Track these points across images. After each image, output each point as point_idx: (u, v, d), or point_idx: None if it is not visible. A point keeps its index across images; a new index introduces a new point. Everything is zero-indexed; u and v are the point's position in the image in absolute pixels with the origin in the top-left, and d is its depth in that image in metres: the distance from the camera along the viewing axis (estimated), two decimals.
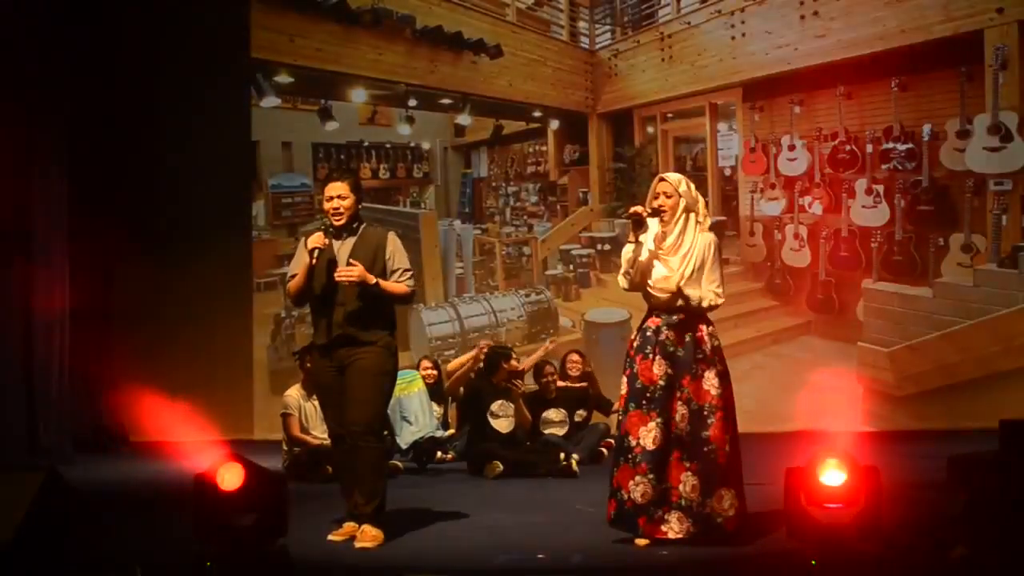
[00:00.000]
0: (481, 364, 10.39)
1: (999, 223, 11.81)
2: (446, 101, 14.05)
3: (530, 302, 13.75)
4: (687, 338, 6.43)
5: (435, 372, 10.93)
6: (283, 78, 13.55)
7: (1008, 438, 6.30)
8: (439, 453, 10.43)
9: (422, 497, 8.45)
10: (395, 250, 6.88)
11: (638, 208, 6.50)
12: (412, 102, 13.87)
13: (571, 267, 13.85)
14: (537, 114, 14.21)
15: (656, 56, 13.75)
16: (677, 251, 6.47)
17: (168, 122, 12.83)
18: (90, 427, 12.05)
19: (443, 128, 14.35)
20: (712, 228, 6.66)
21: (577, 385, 10.85)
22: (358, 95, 13.87)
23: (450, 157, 14.38)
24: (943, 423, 11.60)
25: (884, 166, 12.38)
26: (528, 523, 7.39)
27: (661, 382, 6.38)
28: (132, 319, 12.45)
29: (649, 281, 6.53)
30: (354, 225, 6.86)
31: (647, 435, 6.34)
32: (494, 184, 14.38)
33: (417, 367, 10.90)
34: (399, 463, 9.89)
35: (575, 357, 11.07)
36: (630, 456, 6.37)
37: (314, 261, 6.69)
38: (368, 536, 6.60)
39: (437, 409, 10.64)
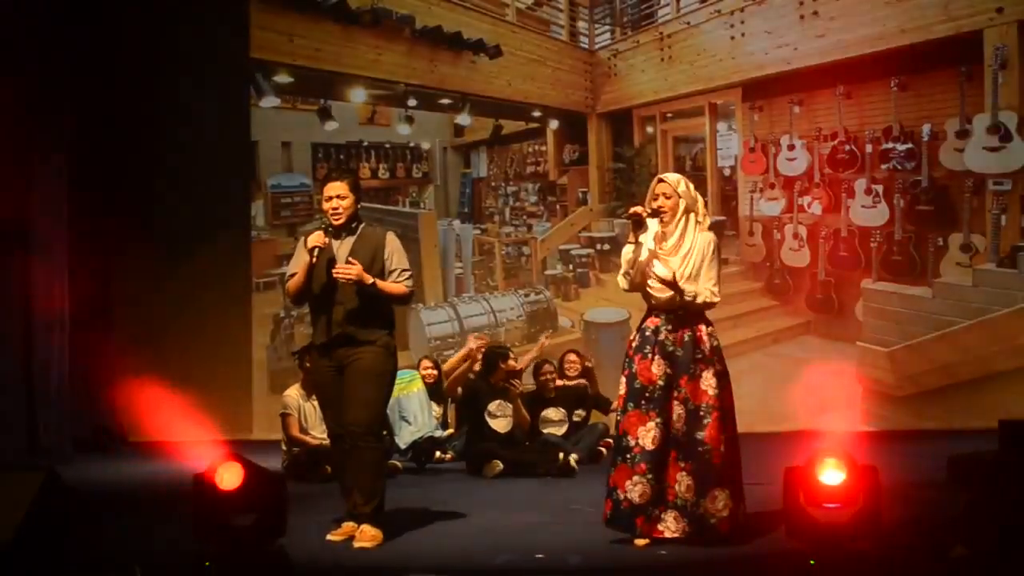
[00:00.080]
0: (478, 364, 10.39)
1: (998, 223, 11.81)
2: (445, 101, 14.05)
3: (529, 302, 13.76)
4: (686, 338, 6.44)
5: (435, 372, 10.92)
6: (282, 78, 13.55)
7: (1007, 438, 6.31)
8: (438, 453, 10.43)
9: (421, 497, 8.45)
10: (394, 250, 6.88)
11: (638, 208, 6.50)
12: (411, 102, 13.87)
13: (570, 267, 13.85)
14: (536, 114, 14.21)
15: (656, 56, 13.75)
16: (677, 251, 6.47)
17: (167, 122, 12.84)
18: (89, 427, 12.06)
19: (442, 128, 14.35)
20: (711, 228, 6.66)
21: (575, 384, 10.85)
22: (357, 95, 13.87)
23: (449, 157, 14.38)
24: (942, 423, 11.61)
25: (883, 166, 12.38)
26: (527, 523, 7.39)
27: (660, 382, 6.38)
28: (132, 319, 12.45)
29: (649, 282, 6.53)
30: (353, 225, 6.86)
31: (646, 435, 6.35)
32: (493, 184, 14.38)
33: (417, 367, 10.90)
34: (398, 463, 9.89)
35: (572, 357, 11.07)
36: (628, 456, 6.37)
37: (314, 260, 6.69)
38: (367, 536, 6.60)
39: (437, 409, 10.64)
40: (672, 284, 6.41)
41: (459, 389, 10.49)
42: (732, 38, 13.20)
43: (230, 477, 5.58)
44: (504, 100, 14.07)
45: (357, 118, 14.07)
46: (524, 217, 14.18)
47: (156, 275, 12.58)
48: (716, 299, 6.48)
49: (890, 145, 12.34)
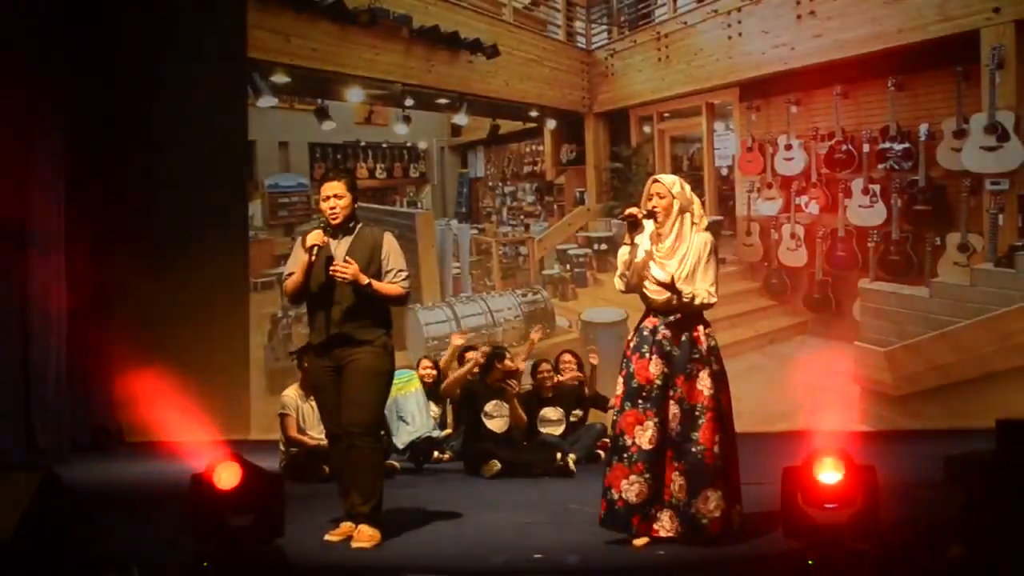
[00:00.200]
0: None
1: (996, 222, 11.81)
2: (443, 101, 14.04)
3: (527, 302, 13.75)
4: (683, 338, 6.44)
5: (434, 372, 10.92)
6: (280, 78, 13.54)
7: (1005, 438, 6.32)
8: (436, 453, 10.44)
9: (419, 497, 8.46)
10: (391, 251, 6.88)
11: (633, 210, 6.51)
12: (409, 102, 13.86)
13: (568, 267, 13.85)
14: (534, 114, 14.20)
15: (653, 56, 13.75)
16: (674, 253, 6.48)
17: (165, 122, 12.83)
18: (87, 427, 12.06)
19: (440, 128, 14.35)
20: (708, 228, 6.67)
21: (572, 384, 10.85)
22: (355, 95, 13.86)
23: (447, 157, 14.38)
24: (940, 423, 11.61)
25: (881, 166, 12.38)
26: (525, 523, 7.40)
27: (658, 382, 6.39)
28: (129, 319, 12.44)
29: (647, 285, 6.54)
30: (351, 225, 6.86)
31: (643, 434, 6.36)
32: (491, 184, 14.37)
33: (416, 367, 10.90)
34: (396, 463, 9.88)
35: (568, 356, 11.05)
36: (625, 455, 6.38)
37: (313, 258, 6.69)
38: (365, 536, 6.60)
39: (435, 409, 10.64)
40: (670, 287, 6.42)
41: (457, 390, 10.48)
42: (729, 38, 13.20)
43: (228, 477, 5.58)
44: (501, 100, 14.07)
45: (354, 118, 14.06)
46: (521, 217, 14.18)
47: (154, 275, 12.56)
48: (713, 300, 6.48)
49: (887, 145, 12.34)
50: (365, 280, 6.64)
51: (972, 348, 11.83)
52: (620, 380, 6.56)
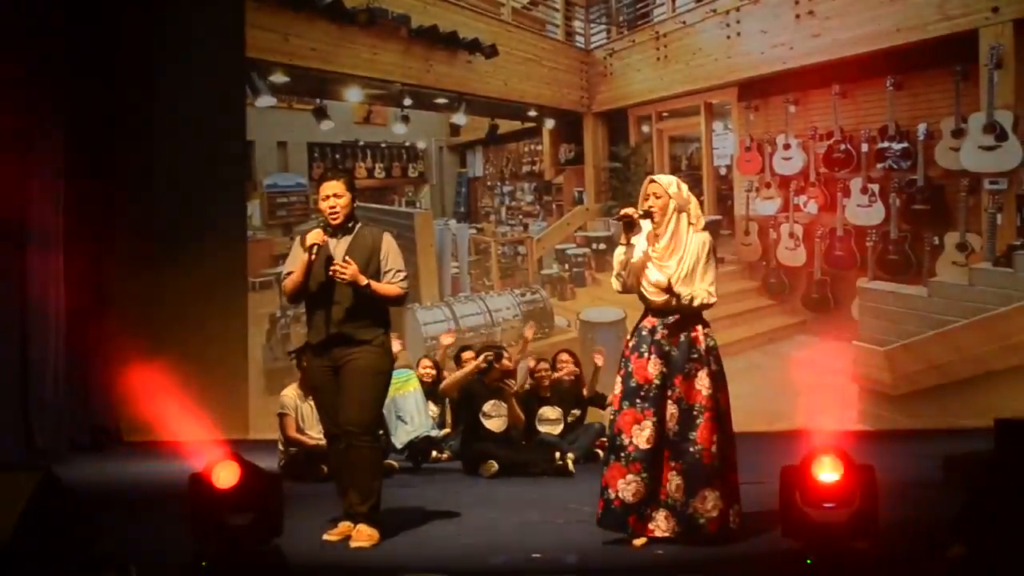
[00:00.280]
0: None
1: (994, 222, 11.82)
2: (441, 100, 14.04)
3: (525, 301, 13.75)
4: (682, 338, 6.45)
5: (434, 372, 10.91)
6: (278, 77, 13.54)
7: (1004, 437, 6.31)
8: (434, 452, 10.44)
9: (417, 497, 8.46)
10: (389, 251, 6.88)
11: (628, 210, 6.52)
12: (407, 101, 13.85)
13: (566, 266, 13.85)
14: (532, 113, 14.19)
15: (651, 55, 13.74)
16: (672, 254, 6.48)
17: (164, 122, 12.83)
18: (85, 427, 12.04)
19: (438, 127, 14.34)
20: (706, 227, 6.67)
21: (568, 379, 10.83)
22: (353, 94, 13.86)
23: (445, 156, 14.37)
24: (938, 422, 11.62)
25: (879, 165, 12.39)
26: (523, 523, 7.40)
27: (656, 381, 6.39)
28: (127, 319, 12.42)
29: (644, 285, 6.54)
30: (349, 224, 6.86)
31: (640, 434, 6.36)
32: (489, 183, 14.37)
33: (415, 366, 10.89)
34: (394, 462, 9.88)
35: (565, 356, 11.03)
36: (623, 454, 6.38)
37: (313, 257, 6.69)
38: (363, 536, 6.60)
39: (434, 409, 10.63)
40: (667, 289, 6.42)
41: (456, 392, 10.47)
42: (728, 37, 13.20)
43: (227, 476, 5.57)
44: (500, 99, 14.06)
45: (353, 117, 14.06)
46: (520, 217, 14.18)
47: (152, 275, 12.56)
48: (712, 300, 6.49)
49: (886, 144, 12.35)
50: (364, 281, 6.64)
51: (971, 347, 11.83)
52: (618, 380, 6.57)
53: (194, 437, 9.44)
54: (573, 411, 10.68)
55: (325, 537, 6.76)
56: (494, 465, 9.59)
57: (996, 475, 5.73)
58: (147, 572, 5.69)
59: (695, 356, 6.44)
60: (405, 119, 13.94)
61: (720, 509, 6.36)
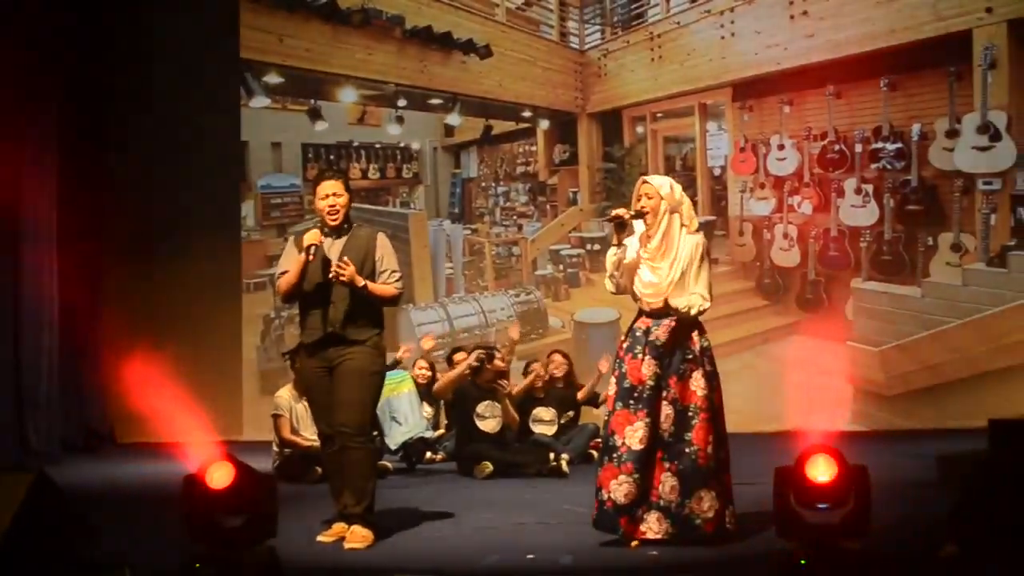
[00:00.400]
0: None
1: (988, 222, 11.83)
2: (436, 101, 14.04)
3: (520, 302, 13.75)
4: (676, 339, 6.45)
5: (429, 373, 10.91)
6: (272, 78, 13.53)
7: (997, 437, 6.32)
8: (428, 453, 10.44)
9: (411, 498, 8.46)
10: (385, 251, 6.89)
11: (619, 211, 6.53)
12: (402, 102, 13.85)
13: (561, 267, 13.85)
14: (527, 114, 14.19)
15: (646, 56, 13.75)
16: (664, 256, 6.48)
17: (158, 122, 12.81)
18: (79, 428, 12.03)
19: (433, 128, 14.34)
20: (700, 228, 6.67)
21: (560, 377, 10.82)
22: (348, 95, 13.86)
23: (440, 157, 14.37)
24: (932, 422, 11.63)
25: (873, 166, 12.39)
26: (518, 523, 7.40)
27: (649, 382, 6.39)
28: (121, 320, 12.41)
29: (637, 286, 6.55)
30: (344, 225, 6.86)
31: (633, 435, 6.36)
32: (484, 184, 14.37)
33: (411, 367, 10.89)
34: (388, 463, 9.88)
35: (558, 357, 11.02)
36: (615, 455, 6.39)
37: (311, 258, 6.68)
38: (357, 537, 6.60)
39: (428, 410, 10.63)
40: (665, 307, 6.43)
41: (449, 392, 10.46)
42: (722, 38, 13.21)
43: (221, 477, 5.56)
44: (494, 100, 14.07)
45: (347, 118, 14.06)
46: (514, 217, 14.17)
47: (146, 276, 12.56)
48: (707, 304, 6.49)
49: (880, 145, 12.35)
50: (362, 281, 6.65)
51: (964, 348, 11.84)
52: (612, 380, 6.59)
53: (188, 438, 9.43)
54: (567, 412, 10.68)
55: (319, 538, 6.77)
56: (488, 466, 9.59)
57: (989, 475, 5.74)
58: (141, 574, 5.69)
59: (689, 357, 6.45)
60: (399, 120, 13.94)
61: (716, 510, 6.38)
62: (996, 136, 11.76)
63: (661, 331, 6.46)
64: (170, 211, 12.76)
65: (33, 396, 11.05)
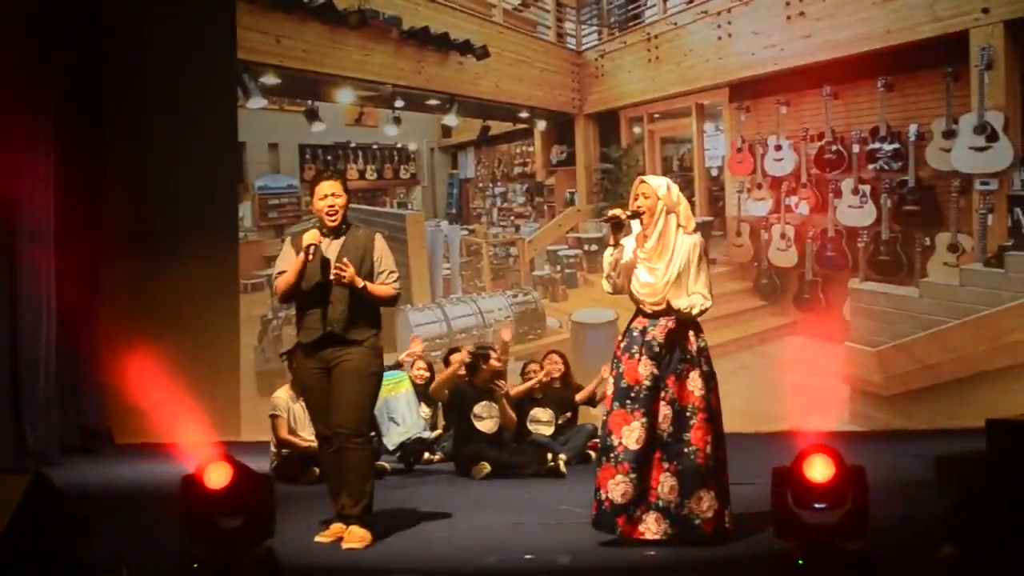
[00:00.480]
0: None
1: (985, 223, 11.83)
2: (433, 102, 14.04)
3: (517, 303, 13.75)
4: (673, 339, 6.45)
5: (427, 373, 10.90)
6: (269, 79, 13.53)
7: (995, 437, 6.33)
8: (426, 454, 10.43)
9: (409, 498, 8.46)
10: (383, 252, 6.90)
11: (616, 211, 6.54)
12: (399, 103, 13.85)
13: (558, 268, 13.85)
14: (524, 115, 14.20)
15: (643, 57, 13.75)
16: (660, 256, 6.49)
17: (155, 123, 12.80)
18: (77, 429, 12.02)
19: (430, 129, 14.34)
20: (698, 229, 6.68)
21: (559, 385, 10.81)
22: (345, 96, 13.85)
23: (437, 158, 14.37)
24: (929, 422, 11.64)
25: (870, 166, 12.39)
26: (515, 524, 7.40)
27: (646, 382, 6.40)
28: (119, 320, 12.41)
29: (634, 286, 6.55)
30: (343, 226, 6.86)
31: (630, 434, 6.37)
32: (481, 185, 14.37)
33: (410, 367, 10.88)
34: (386, 464, 9.88)
35: (555, 357, 11.00)
36: (612, 455, 6.40)
37: (311, 258, 6.68)
38: (356, 537, 6.61)
39: (426, 410, 10.63)
40: (667, 308, 6.43)
41: (445, 392, 10.46)
42: (719, 39, 13.21)
43: (219, 476, 5.56)
44: (491, 101, 14.07)
45: (344, 119, 14.06)
46: (512, 218, 14.18)
47: (144, 277, 12.56)
48: (709, 304, 6.51)
49: (877, 145, 12.36)
50: (361, 283, 6.65)
51: (962, 348, 11.84)
52: (610, 381, 6.60)
53: (185, 439, 9.44)
54: (565, 414, 10.68)
55: (317, 539, 6.77)
56: (486, 466, 9.59)
57: (987, 475, 5.74)
58: (139, 574, 5.68)
59: (686, 357, 6.45)
60: (396, 120, 13.94)
61: (715, 510, 6.39)
62: (993, 136, 11.76)
63: (658, 331, 6.47)
64: (167, 212, 12.76)
65: (31, 397, 11.05)
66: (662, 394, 6.41)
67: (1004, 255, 11.74)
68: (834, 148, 12.54)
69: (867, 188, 12.36)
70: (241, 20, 13.29)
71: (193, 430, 9.85)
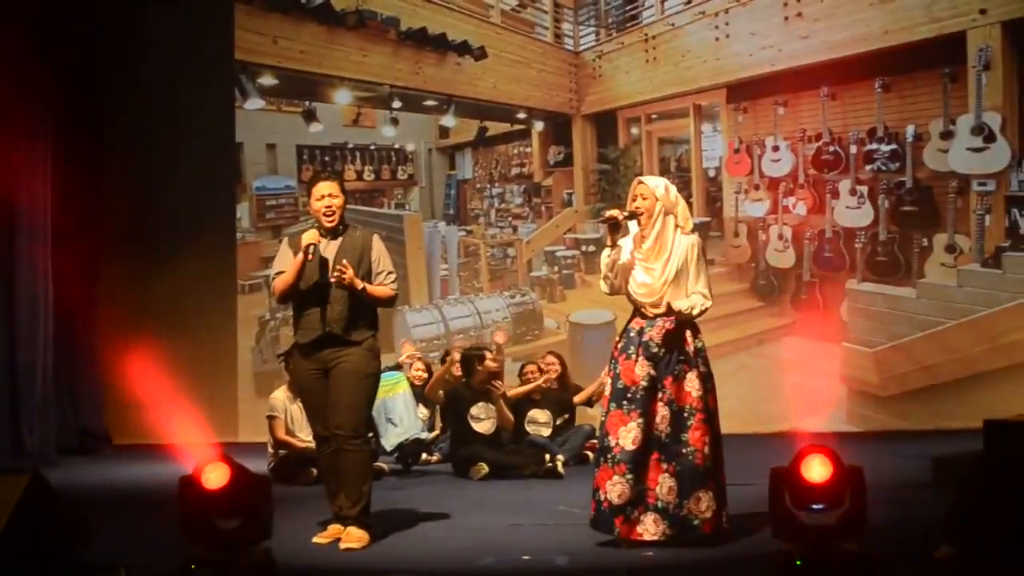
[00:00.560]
0: (456, 367, 10.37)
1: (982, 223, 11.83)
2: (430, 103, 14.04)
3: (515, 303, 13.75)
4: (671, 340, 6.45)
5: (425, 374, 10.90)
6: (267, 80, 13.53)
7: (992, 438, 6.32)
8: (424, 455, 10.43)
9: (407, 499, 8.45)
10: (380, 253, 6.89)
11: (613, 212, 6.53)
12: (396, 104, 13.85)
13: (556, 269, 13.85)
14: (521, 115, 14.20)
15: (640, 57, 13.75)
16: (658, 256, 6.49)
17: (152, 124, 12.80)
18: (74, 430, 12.02)
19: (428, 130, 14.35)
20: (695, 230, 6.68)
21: (557, 386, 10.80)
22: (342, 97, 13.85)
23: (435, 159, 14.37)
24: (927, 423, 11.64)
25: (868, 167, 12.40)
26: (513, 525, 7.39)
27: (643, 383, 6.39)
28: (116, 321, 12.41)
29: (631, 286, 6.55)
30: (340, 226, 6.86)
31: (627, 435, 6.36)
32: (479, 186, 14.37)
33: (408, 368, 10.88)
34: (384, 465, 9.87)
35: (551, 358, 10.99)
36: (609, 456, 6.40)
37: (310, 257, 6.67)
38: (354, 537, 6.60)
39: (424, 411, 10.63)
40: (667, 310, 6.43)
41: (440, 393, 10.46)
42: (716, 39, 13.21)
43: (216, 477, 5.56)
44: (489, 102, 14.07)
45: (342, 120, 14.05)
46: (509, 219, 14.18)
47: (141, 277, 12.56)
48: (709, 303, 6.51)
49: (874, 146, 12.36)
50: (360, 285, 6.65)
51: (959, 349, 11.85)
52: (607, 381, 6.59)
53: (183, 440, 9.43)
54: (563, 415, 10.67)
55: (314, 540, 6.76)
56: (484, 467, 9.58)
57: (985, 476, 5.74)
58: (136, 575, 5.67)
59: (684, 358, 6.45)
60: (394, 121, 13.94)
61: (713, 510, 6.38)
62: (990, 137, 11.77)
63: (655, 332, 6.46)
64: (165, 213, 12.77)
65: (28, 397, 11.05)
66: (660, 395, 6.41)
67: (1001, 256, 11.74)
68: (832, 149, 12.54)
69: (864, 189, 12.37)
70: (239, 21, 13.29)
71: (191, 431, 9.85)
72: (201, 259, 12.67)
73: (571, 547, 6.51)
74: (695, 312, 6.44)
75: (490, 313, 13.66)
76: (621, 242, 6.56)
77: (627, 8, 13.92)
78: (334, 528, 6.76)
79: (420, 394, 10.56)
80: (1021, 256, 11.67)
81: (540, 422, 10.48)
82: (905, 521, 6.66)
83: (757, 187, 12.96)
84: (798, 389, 11.52)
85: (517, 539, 6.89)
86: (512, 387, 10.59)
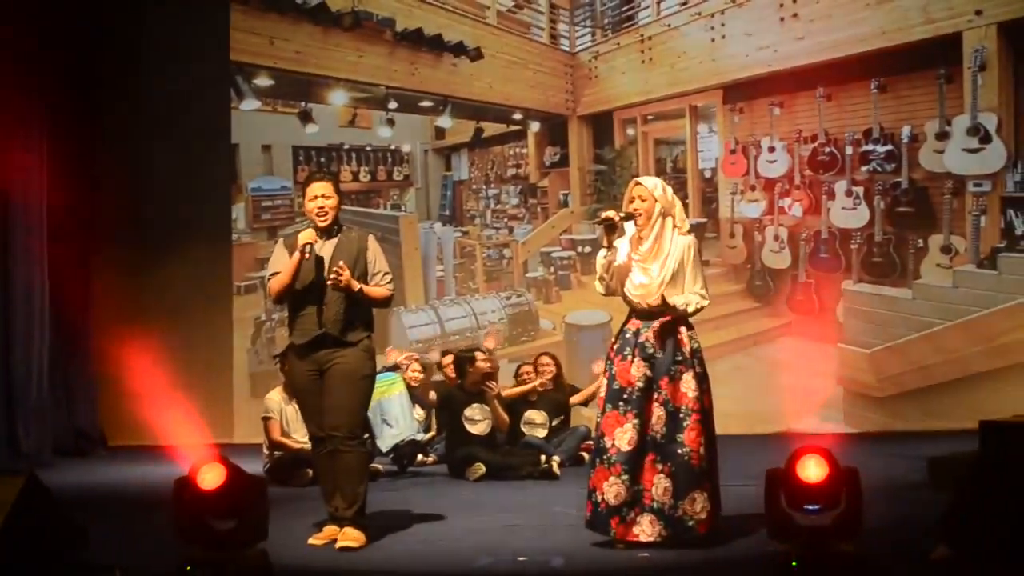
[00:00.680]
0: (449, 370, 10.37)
1: (978, 224, 11.84)
2: (426, 104, 14.04)
3: (511, 304, 13.75)
4: (666, 340, 6.45)
5: (421, 375, 10.89)
6: (263, 81, 13.52)
7: (988, 438, 6.32)
8: (419, 456, 10.42)
9: (403, 500, 8.45)
10: (376, 253, 6.89)
11: (609, 213, 6.53)
12: (392, 105, 13.84)
13: (552, 269, 13.85)
14: (517, 116, 14.19)
15: (636, 58, 13.75)
16: (655, 257, 6.49)
17: (148, 124, 12.80)
18: (70, 431, 12.01)
19: (423, 131, 14.34)
20: (691, 230, 6.68)
21: (552, 386, 10.79)
22: (338, 98, 13.85)
23: (430, 160, 14.37)
24: (923, 424, 11.64)
25: (864, 168, 12.40)
26: (509, 526, 7.39)
27: (639, 384, 6.39)
28: (112, 322, 12.39)
29: (627, 288, 6.55)
30: (334, 227, 6.85)
31: (622, 436, 6.36)
32: (474, 187, 14.37)
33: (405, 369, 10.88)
34: (379, 466, 9.87)
35: (546, 359, 10.97)
36: (605, 457, 6.40)
37: (307, 257, 6.67)
38: (350, 536, 6.60)
39: (420, 412, 10.62)
40: (663, 305, 6.43)
41: (432, 394, 10.46)
42: (712, 40, 13.21)
43: (212, 478, 5.56)
44: (485, 103, 14.07)
45: (338, 121, 14.04)
46: (505, 220, 14.17)
47: (137, 279, 12.56)
48: (706, 302, 6.52)
49: (870, 147, 12.36)
50: (357, 286, 6.64)
51: (955, 349, 11.85)
52: (603, 382, 6.60)
53: (179, 441, 9.44)
54: (559, 416, 10.67)
55: (311, 541, 6.76)
56: (481, 468, 9.58)
57: (981, 477, 5.74)
58: None
59: (680, 358, 6.45)
60: (390, 122, 13.94)
61: (708, 511, 6.38)
62: (986, 138, 11.77)
63: (651, 333, 6.46)
64: (161, 213, 12.76)
65: (23, 399, 11.04)
66: (656, 396, 6.40)
67: (997, 257, 11.74)
68: (827, 150, 12.54)
69: (860, 190, 12.37)
70: (235, 21, 13.29)
71: (186, 432, 9.86)
72: (197, 260, 12.67)
73: (567, 548, 6.51)
74: (690, 309, 6.44)
75: (486, 314, 13.66)
76: (617, 244, 6.56)
77: (623, 9, 13.92)
78: (330, 529, 6.76)
79: (416, 395, 10.56)
80: (1017, 257, 11.67)
81: (536, 423, 10.47)
82: (901, 522, 6.66)
83: (753, 188, 12.96)
84: (794, 390, 11.52)
85: (513, 540, 6.89)
86: (507, 388, 10.58)
